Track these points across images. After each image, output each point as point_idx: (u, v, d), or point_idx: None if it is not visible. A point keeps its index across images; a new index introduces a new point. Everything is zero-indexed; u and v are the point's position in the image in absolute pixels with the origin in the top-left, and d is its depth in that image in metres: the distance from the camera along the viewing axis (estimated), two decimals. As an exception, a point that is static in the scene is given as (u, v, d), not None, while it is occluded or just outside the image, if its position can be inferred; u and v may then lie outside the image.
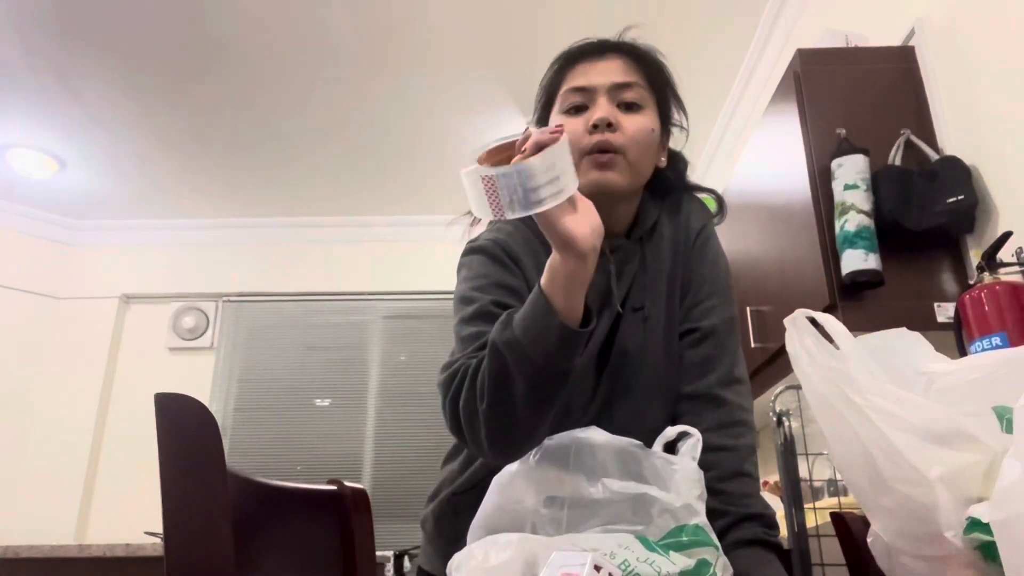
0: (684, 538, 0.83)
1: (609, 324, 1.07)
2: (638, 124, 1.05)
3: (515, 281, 1.05)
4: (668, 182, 1.18)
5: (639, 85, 1.08)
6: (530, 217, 0.92)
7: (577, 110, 1.07)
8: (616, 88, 1.06)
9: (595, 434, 0.91)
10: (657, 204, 1.16)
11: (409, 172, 4.31)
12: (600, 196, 0.98)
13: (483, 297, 1.02)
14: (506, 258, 1.07)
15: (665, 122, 1.13)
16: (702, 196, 1.22)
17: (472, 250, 1.11)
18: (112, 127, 3.84)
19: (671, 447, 0.96)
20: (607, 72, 1.07)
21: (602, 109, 1.04)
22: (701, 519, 0.86)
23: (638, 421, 1.05)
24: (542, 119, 1.14)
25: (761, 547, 1.01)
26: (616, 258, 1.08)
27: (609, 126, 1.03)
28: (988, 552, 0.67)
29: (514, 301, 1.00)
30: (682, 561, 0.81)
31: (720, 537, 0.92)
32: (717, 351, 1.10)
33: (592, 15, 3.02)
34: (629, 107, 1.06)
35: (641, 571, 0.78)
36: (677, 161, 1.20)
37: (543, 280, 0.86)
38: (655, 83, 1.11)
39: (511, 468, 0.92)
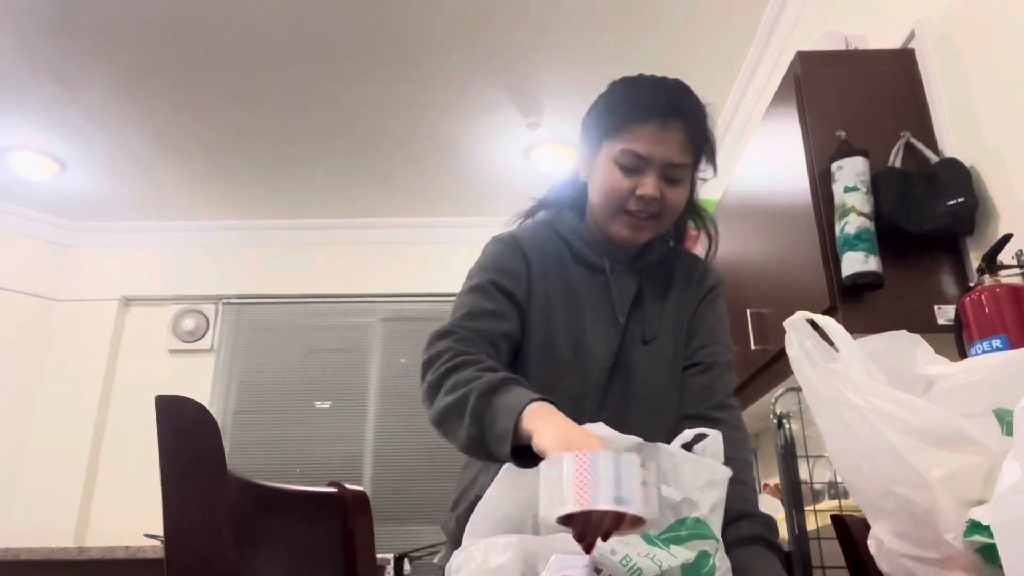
0: (684, 532, 0.85)
1: (616, 349, 1.19)
2: (678, 196, 1.19)
3: (518, 268, 1.20)
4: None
5: (688, 164, 1.18)
6: (549, 223, 1.25)
7: (629, 170, 1.16)
8: (669, 166, 1.16)
9: (600, 430, 0.91)
10: (664, 243, 1.30)
11: (409, 175, 4.32)
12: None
13: (483, 276, 1.17)
14: (517, 248, 1.22)
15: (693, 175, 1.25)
16: (703, 215, 1.35)
17: (492, 240, 1.26)
18: (112, 129, 3.84)
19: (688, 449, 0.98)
20: (667, 148, 1.15)
21: (651, 186, 1.15)
22: (701, 512, 0.87)
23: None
24: (592, 146, 1.22)
25: (762, 545, 1.02)
26: (615, 280, 1.23)
27: (654, 201, 1.16)
28: (988, 554, 0.67)
29: (511, 284, 1.17)
30: (683, 554, 0.82)
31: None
32: (717, 383, 1.23)
33: (593, 20, 3.02)
34: (674, 181, 1.17)
35: (642, 565, 0.78)
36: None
37: (526, 417, 0.88)
38: (700, 153, 1.22)
39: (512, 465, 0.93)
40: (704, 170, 1.26)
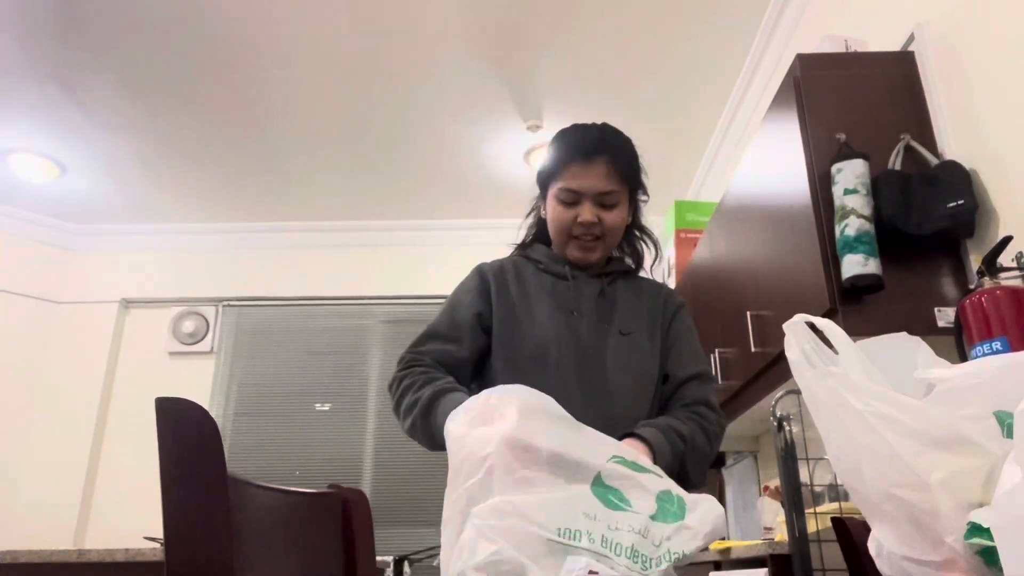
0: (626, 467, 0.92)
1: (577, 338, 1.35)
2: (615, 218, 1.40)
3: (482, 286, 1.43)
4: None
5: (616, 191, 1.38)
6: (521, 252, 1.50)
7: (568, 204, 1.39)
8: (599, 194, 1.37)
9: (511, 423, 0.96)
10: (624, 263, 1.50)
11: (409, 177, 4.32)
12: None
13: (446, 303, 1.44)
14: (478, 272, 1.45)
15: (633, 200, 1.45)
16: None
17: (475, 268, 1.47)
18: (113, 131, 3.85)
19: None
20: (594, 179, 1.37)
21: (588, 213, 1.37)
22: (623, 452, 0.95)
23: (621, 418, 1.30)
24: (543, 192, 1.47)
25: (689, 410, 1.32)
26: (575, 283, 1.41)
27: (593, 225, 1.38)
28: (989, 557, 0.67)
29: (469, 301, 1.41)
30: (646, 505, 0.88)
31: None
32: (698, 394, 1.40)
33: (594, 25, 3.03)
34: (608, 206, 1.39)
35: (620, 539, 0.85)
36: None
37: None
38: (629, 180, 1.41)
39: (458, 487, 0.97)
40: (644, 198, 1.48)
